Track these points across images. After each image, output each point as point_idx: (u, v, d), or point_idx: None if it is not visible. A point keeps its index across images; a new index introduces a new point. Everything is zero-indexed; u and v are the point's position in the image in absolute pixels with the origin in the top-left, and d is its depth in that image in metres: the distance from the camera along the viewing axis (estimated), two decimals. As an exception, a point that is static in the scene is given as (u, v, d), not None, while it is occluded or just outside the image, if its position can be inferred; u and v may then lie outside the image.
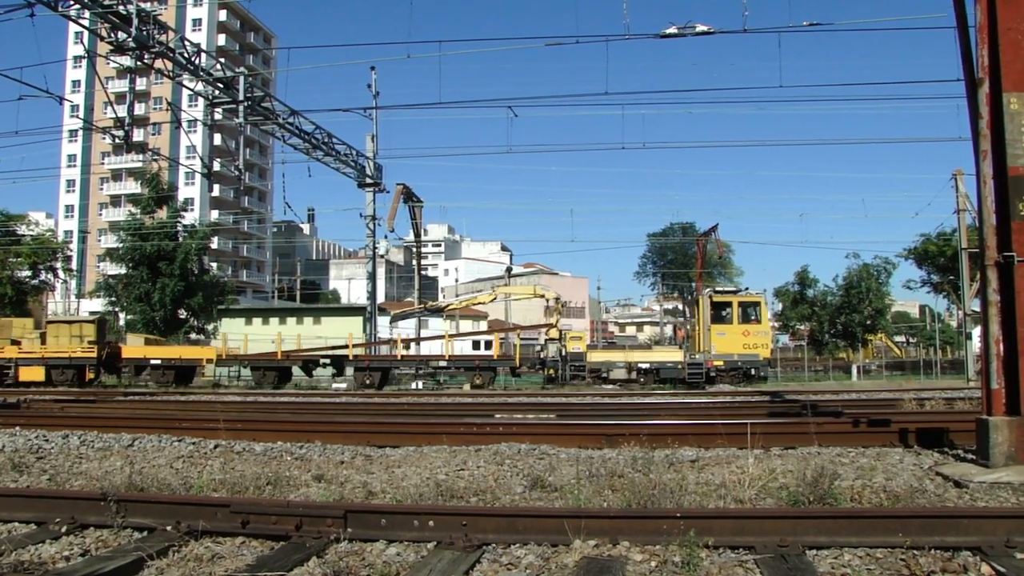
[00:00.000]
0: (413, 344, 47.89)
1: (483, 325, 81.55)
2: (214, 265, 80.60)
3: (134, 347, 43.33)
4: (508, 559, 5.67)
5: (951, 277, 50.81)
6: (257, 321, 50.34)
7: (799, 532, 5.87)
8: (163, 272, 52.85)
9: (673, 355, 38.92)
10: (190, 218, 68.75)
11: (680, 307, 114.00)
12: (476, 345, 48.74)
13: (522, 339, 46.41)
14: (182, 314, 55.97)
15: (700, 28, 25.18)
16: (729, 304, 38.07)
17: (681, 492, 7.43)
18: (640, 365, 37.94)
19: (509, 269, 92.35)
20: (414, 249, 53.60)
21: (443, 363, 41.20)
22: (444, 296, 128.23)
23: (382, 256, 50.97)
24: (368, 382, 38.16)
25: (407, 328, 53.26)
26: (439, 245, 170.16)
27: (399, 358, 41.92)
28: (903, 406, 18.24)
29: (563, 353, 38.28)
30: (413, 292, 52.90)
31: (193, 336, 57.59)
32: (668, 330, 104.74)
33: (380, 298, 62.04)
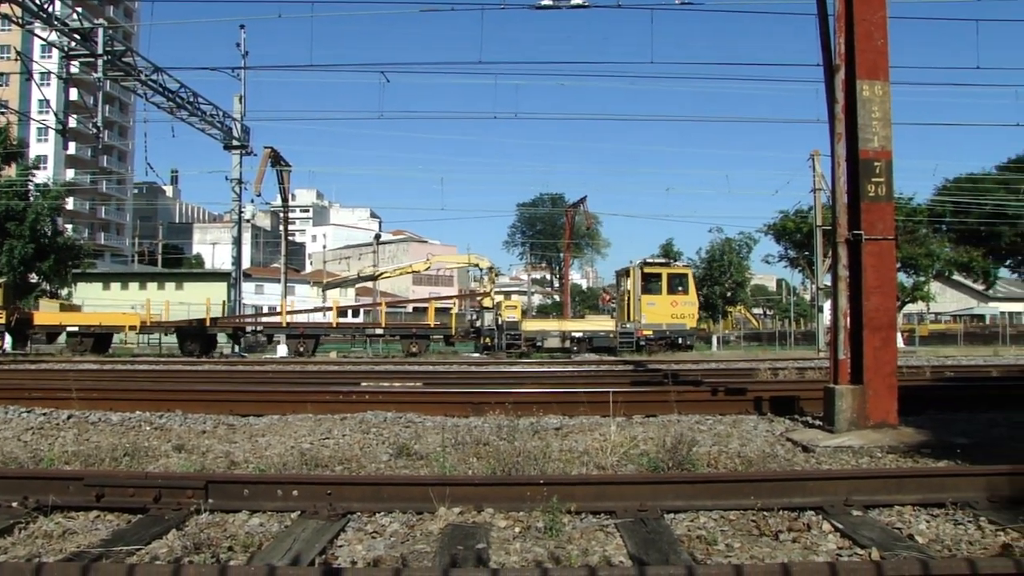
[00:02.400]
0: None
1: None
2: (69, 227, 76.98)
3: (48, 313, 41.01)
4: (373, 527, 5.70)
5: (806, 253, 52.90)
6: (116, 286, 48.61)
7: (658, 497, 6.11)
8: (11, 233, 50.21)
9: (605, 324, 39.54)
10: (42, 177, 65.45)
11: (548, 277, 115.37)
12: (346, 313, 48.18)
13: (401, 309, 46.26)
14: (33, 278, 53.43)
15: (575, 1, 25.36)
16: (659, 275, 38.79)
17: (545, 459, 7.60)
18: (574, 334, 38.37)
19: (378, 236, 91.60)
20: (281, 214, 52.53)
21: (379, 331, 40.52)
22: (311, 263, 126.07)
23: (248, 221, 49.65)
24: (302, 350, 37.42)
25: (332, 296, 52.15)
26: (307, 211, 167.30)
27: (334, 326, 41.06)
28: (759, 375, 19.02)
29: (499, 322, 38.19)
30: (279, 258, 51.77)
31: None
32: (536, 299, 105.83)
33: (246, 263, 60.64)
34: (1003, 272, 69.17)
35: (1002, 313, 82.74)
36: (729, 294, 62.61)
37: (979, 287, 73.63)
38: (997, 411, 11.92)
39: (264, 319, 40.11)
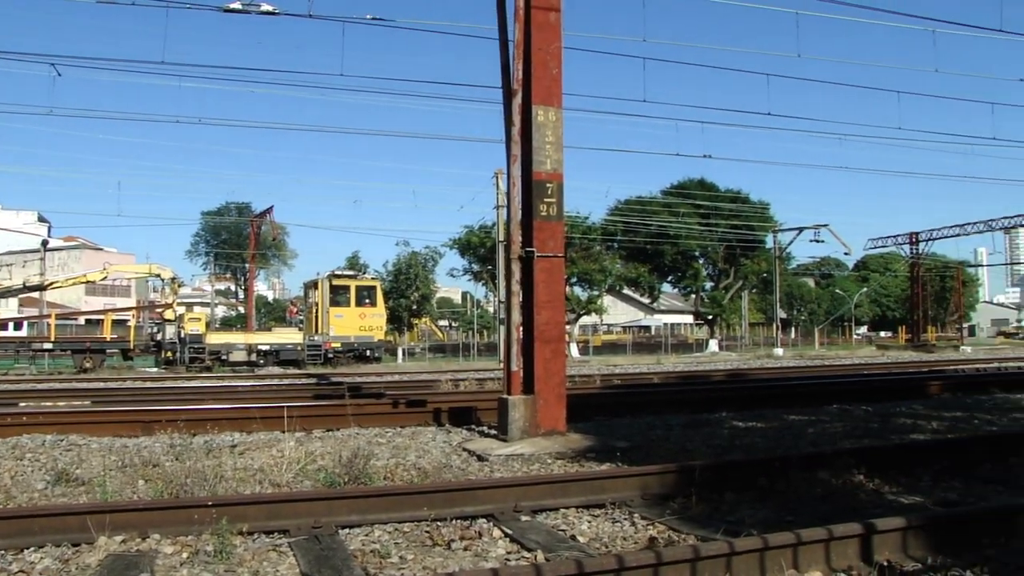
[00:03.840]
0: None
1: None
2: None
3: None
4: (19, 567, 5.14)
5: (490, 267, 54.69)
6: None
7: (333, 512, 6.07)
8: None
9: (293, 337, 38.13)
10: None
11: (232, 288, 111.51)
12: (6, 326, 43.99)
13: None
14: None
15: (265, 7, 24.73)
16: (347, 288, 38.17)
17: (217, 479, 7.33)
18: (260, 347, 36.70)
19: (45, 242, 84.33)
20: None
21: (47, 345, 36.40)
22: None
23: None
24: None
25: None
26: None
27: (-3, 339, 36.38)
28: (440, 387, 19.46)
29: (181, 335, 35.69)
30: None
31: None
32: (220, 311, 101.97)
33: None
34: (666, 287, 75.09)
35: (665, 324, 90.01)
36: (415, 306, 63.46)
37: (646, 300, 79.49)
38: (655, 415, 12.93)
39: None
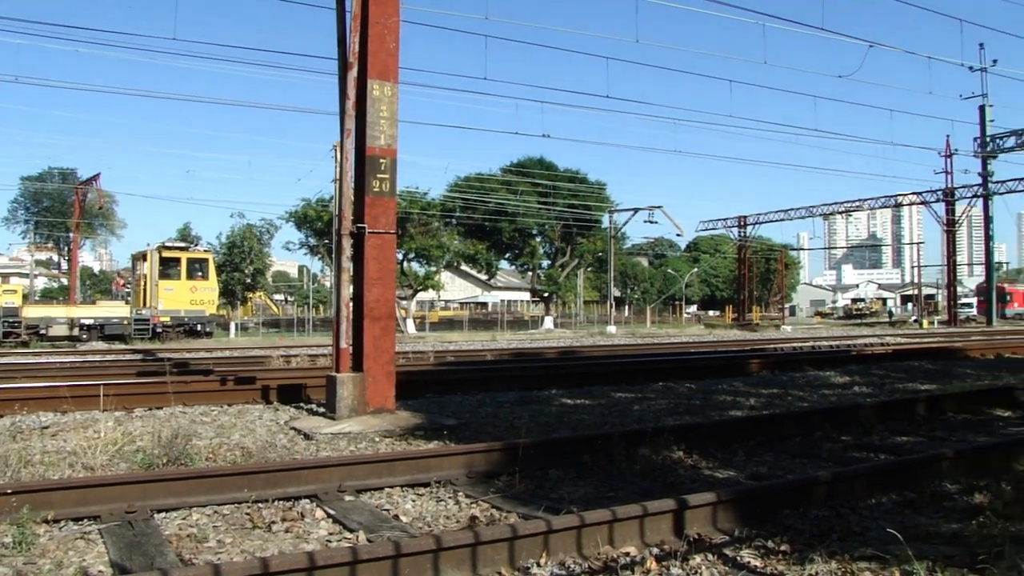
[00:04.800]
0: None
1: None
2: None
3: None
4: None
5: (327, 241, 53.87)
6: None
7: (149, 496, 5.85)
8: None
9: (119, 310, 36.27)
10: None
11: (55, 258, 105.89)
12: None
13: None
14: None
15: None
16: (178, 260, 36.79)
17: (23, 464, 6.95)
18: (83, 321, 34.70)
19: None
20: None
21: None
22: None
23: None
24: None
25: None
26: None
27: None
28: (272, 363, 19.07)
29: None
30: None
31: None
32: (40, 283, 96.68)
33: None
34: (503, 264, 75.88)
35: (502, 301, 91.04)
36: (249, 280, 61.95)
37: (483, 277, 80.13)
38: (487, 392, 13.05)
39: None
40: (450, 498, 6.32)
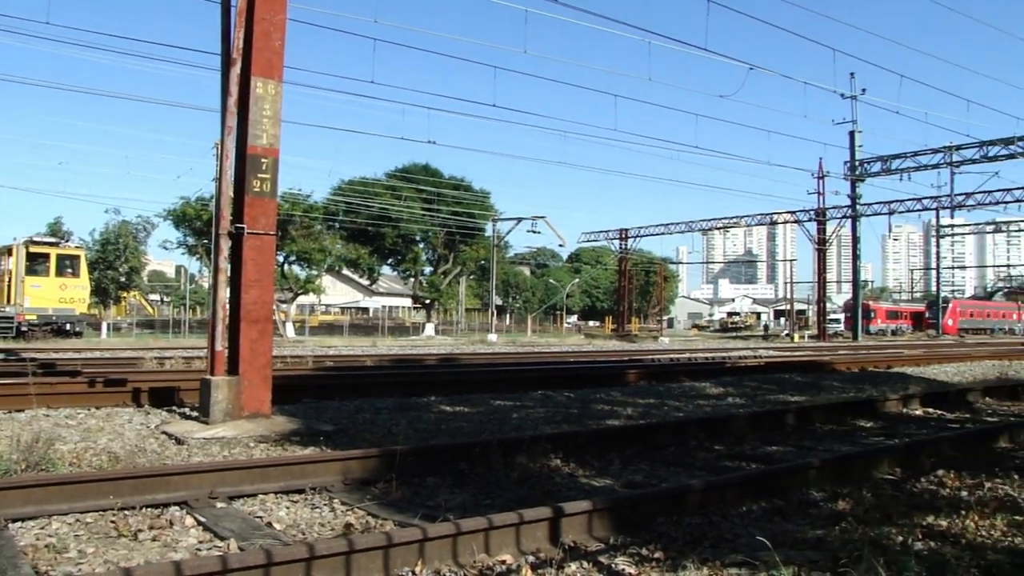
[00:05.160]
0: None
1: None
2: None
3: None
4: None
5: (205, 241, 52.62)
6: None
7: (4, 504, 5.55)
8: None
9: None
10: None
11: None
12: None
13: None
14: None
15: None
16: (47, 256, 35.14)
17: None
18: None
19: None
20: None
21: None
22: None
23: None
24: None
25: None
26: None
27: None
28: (144, 365, 18.49)
29: None
30: None
31: None
32: None
33: None
34: (386, 269, 75.41)
35: (383, 307, 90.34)
36: (123, 279, 60.01)
37: (365, 282, 79.32)
38: (365, 398, 12.92)
39: None
40: (325, 505, 6.22)
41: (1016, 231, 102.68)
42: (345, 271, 76.32)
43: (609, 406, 12.90)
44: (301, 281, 55.17)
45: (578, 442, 8.52)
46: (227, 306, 9.91)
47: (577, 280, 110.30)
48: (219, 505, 6.05)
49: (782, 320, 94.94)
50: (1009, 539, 5.37)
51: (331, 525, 5.70)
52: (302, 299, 60.67)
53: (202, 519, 5.67)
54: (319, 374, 16.62)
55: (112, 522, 5.56)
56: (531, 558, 4.88)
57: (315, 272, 56.86)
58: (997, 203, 55.84)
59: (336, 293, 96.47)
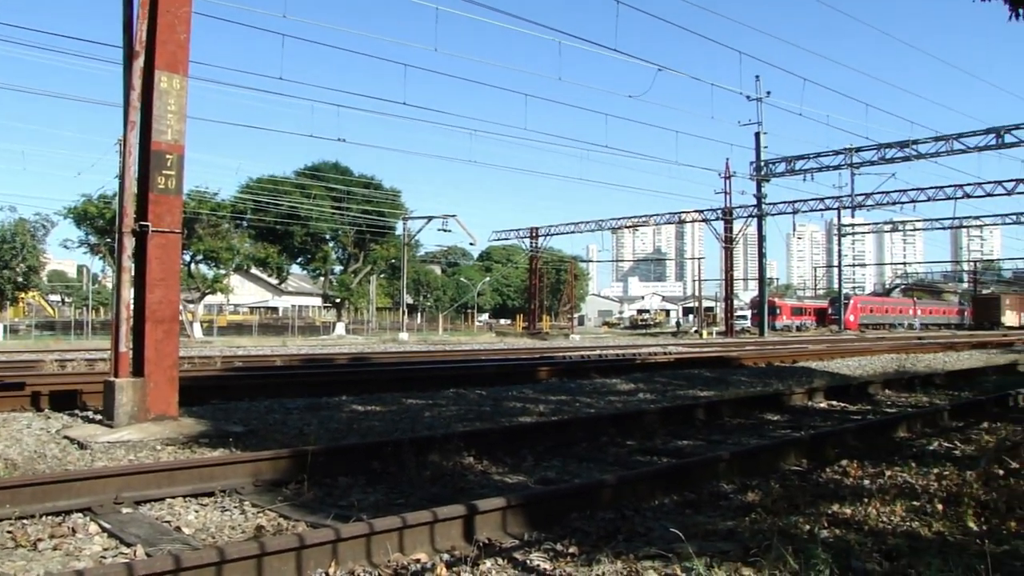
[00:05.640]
0: None
1: None
2: None
3: None
4: None
5: (108, 240, 51.25)
6: None
7: None
8: None
9: None
10: None
11: None
12: None
13: None
14: None
15: None
16: None
17: None
18: None
19: None
20: None
21: None
22: None
23: None
24: None
25: None
26: None
27: None
28: (44, 367, 17.91)
29: None
30: None
31: None
32: None
33: None
34: (295, 268, 74.51)
35: (293, 306, 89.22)
36: (21, 279, 57.96)
37: (274, 281, 78.22)
38: (275, 398, 12.71)
39: None
40: (236, 508, 6.10)
41: (912, 231, 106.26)
42: (254, 270, 75.13)
43: (521, 403, 12.94)
44: (208, 280, 54.13)
45: (491, 439, 8.52)
46: (131, 306, 9.64)
47: (488, 279, 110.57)
48: (125, 511, 5.88)
49: (691, 317, 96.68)
50: (907, 524, 5.56)
51: (242, 528, 5.60)
52: (210, 299, 59.56)
53: (107, 525, 5.50)
54: (228, 375, 16.31)
55: (9, 532, 5.34)
56: (446, 556, 4.86)
57: (223, 271, 55.85)
58: (894, 203, 58.00)
59: (245, 293, 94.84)
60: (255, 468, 6.83)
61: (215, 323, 57.45)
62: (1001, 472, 7.16)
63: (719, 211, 63.90)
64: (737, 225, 64.24)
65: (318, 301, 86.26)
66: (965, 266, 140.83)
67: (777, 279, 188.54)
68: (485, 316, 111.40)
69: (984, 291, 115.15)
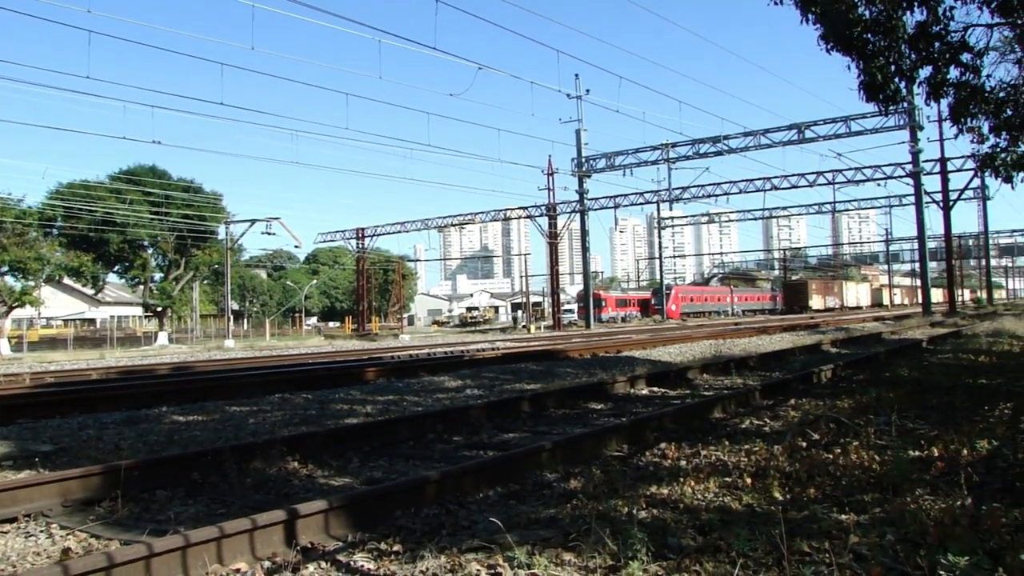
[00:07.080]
0: None
1: None
2: None
3: None
4: None
5: None
6: None
7: None
8: None
9: None
10: None
11: None
12: None
13: None
14: None
15: None
16: None
17: None
18: None
19: None
20: None
21: None
22: None
23: None
24: None
25: None
26: None
27: None
28: None
29: None
30: None
31: None
32: None
33: None
34: (112, 277, 71.17)
35: (112, 317, 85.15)
36: None
37: (90, 292, 74.47)
38: (90, 414, 12.14)
39: None
40: (42, 532, 5.79)
41: (727, 222, 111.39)
42: (67, 280, 71.22)
43: (348, 405, 12.80)
44: (16, 293, 50.94)
45: (316, 443, 8.42)
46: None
47: (315, 281, 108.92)
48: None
49: (520, 313, 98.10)
50: (720, 499, 5.83)
51: (48, 553, 5.31)
52: (18, 312, 56.04)
53: None
54: (37, 391, 15.42)
55: None
56: (267, 564, 4.77)
57: (31, 283, 52.69)
58: (709, 196, 60.57)
59: (57, 305, 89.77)
60: (63, 488, 6.49)
61: (25, 338, 54.15)
62: (804, 444, 7.62)
63: (543, 207, 64.99)
64: (561, 221, 65.51)
65: (139, 311, 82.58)
66: (776, 254, 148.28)
67: (602, 272, 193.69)
68: (313, 320, 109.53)
69: (793, 277, 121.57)
